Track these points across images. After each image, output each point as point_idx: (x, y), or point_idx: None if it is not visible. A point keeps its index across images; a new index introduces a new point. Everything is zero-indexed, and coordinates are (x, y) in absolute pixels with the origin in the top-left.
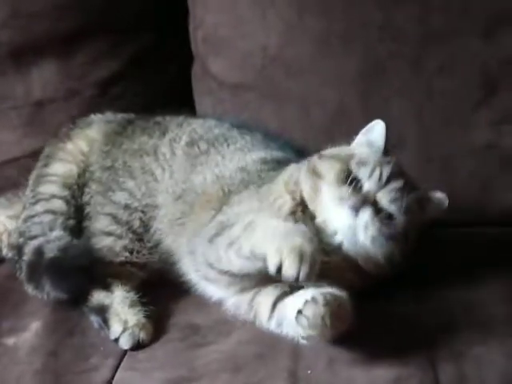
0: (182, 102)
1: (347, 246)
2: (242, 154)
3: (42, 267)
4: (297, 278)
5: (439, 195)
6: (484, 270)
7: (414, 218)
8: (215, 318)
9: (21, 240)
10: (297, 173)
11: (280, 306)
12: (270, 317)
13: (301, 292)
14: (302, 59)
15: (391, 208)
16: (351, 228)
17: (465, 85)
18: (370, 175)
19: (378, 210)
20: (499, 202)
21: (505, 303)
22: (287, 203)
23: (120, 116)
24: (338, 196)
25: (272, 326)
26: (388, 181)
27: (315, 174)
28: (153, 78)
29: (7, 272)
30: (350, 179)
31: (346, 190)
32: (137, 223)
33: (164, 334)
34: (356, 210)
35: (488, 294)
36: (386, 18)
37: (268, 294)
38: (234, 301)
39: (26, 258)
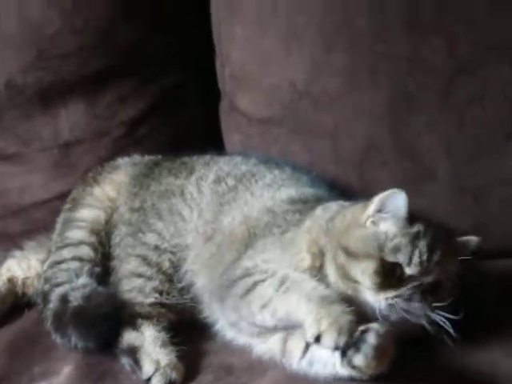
0: (209, 140)
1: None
2: (271, 191)
3: (67, 316)
4: (336, 348)
5: (470, 238)
6: None
7: (455, 269)
8: (249, 358)
9: (46, 287)
10: (321, 233)
11: (314, 346)
12: (302, 357)
13: None
14: (330, 93)
15: (437, 276)
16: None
17: (496, 114)
18: (410, 260)
19: (424, 288)
20: None
21: None
22: (306, 261)
23: (147, 158)
24: (384, 298)
25: (303, 365)
26: (428, 257)
27: (348, 278)
28: (180, 116)
29: (38, 316)
30: (392, 280)
31: (393, 292)
32: (166, 264)
33: (197, 374)
34: (405, 305)
35: None
36: (412, 51)
37: (299, 339)
38: (262, 346)
39: (51, 305)
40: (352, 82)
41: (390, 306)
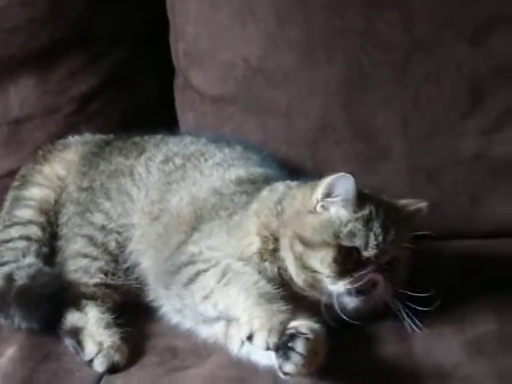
0: (164, 118)
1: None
2: (220, 170)
3: (11, 297)
4: (267, 348)
5: (419, 205)
6: (474, 284)
7: (408, 241)
8: (194, 342)
9: None
10: (271, 216)
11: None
12: (242, 346)
13: None
14: (284, 69)
15: (393, 254)
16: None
17: (452, 93)
18: (366, 244)
19: (382, 267)
20: (489, 213)
21: (496, 320)
22: (255, 244)
23: (98, 137)
24: (343, 285)
25: (242, 353)
26: (384, 238)
27: (307, 268)
28: (133, 93)
29: None
30: (350, 264)
31: (351, 279)
32: (113, 245)
33: (141, 357)
34: (365, 289)
35: (478, 310)
36: (367, 25)
37: (238, 329)
38: (207, 330)
39: None
40: (306, 58)
41: (349, 291)
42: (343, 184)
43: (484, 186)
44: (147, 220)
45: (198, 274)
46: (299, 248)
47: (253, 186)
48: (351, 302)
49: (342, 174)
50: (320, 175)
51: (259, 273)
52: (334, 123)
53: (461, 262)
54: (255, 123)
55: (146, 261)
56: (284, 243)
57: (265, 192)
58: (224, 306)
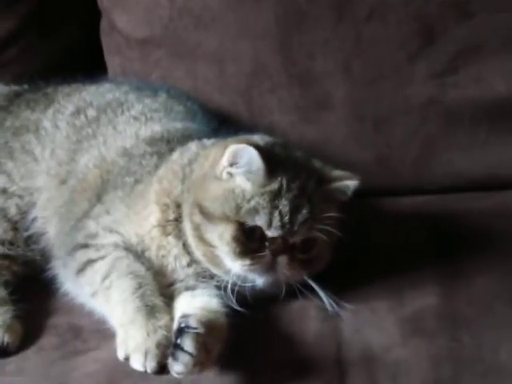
0: (91, 65)
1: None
2: (135, 126)
3: None
4: (145, 372)
5: (347, 182)
6: (419, 248)
7: (330, 221)
8: (99, 321)
9: None
10: (175, 180)
11: None
12: None
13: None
14: (212, 9)
15: (304, 235)
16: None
17: (399, 33)
18: (270, 223)
19: (290, 249)
20: (443, 165)
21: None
22: (153, 215)
23: (9, 89)
24: (242, 266)
25: None
26: (291, 218)
27: (204, 241)
28: (55, 38)
29: None
30: (253, 243)
31: (250, 260)
32: (13, 210)
33: (39, 338)
34: (267, 271)
35: (420, 280)
36: None
37: None
38: None
39: None
40: None
41: (251, 272)
42: (246, 156)
43: (437, 135)
44: (54, 183)
45: (87, 263)
46: (197, 218)
47: (167, 146)
48: (253, 282)
49: (243, 145)
50: (257, 127)
51: (159, 250)
52: (267, 68)
53: (408, 221)
54: (184, 69)
55: (52, 229)
56: (185, 210)
57: (176, 153)
58: (105, 314)
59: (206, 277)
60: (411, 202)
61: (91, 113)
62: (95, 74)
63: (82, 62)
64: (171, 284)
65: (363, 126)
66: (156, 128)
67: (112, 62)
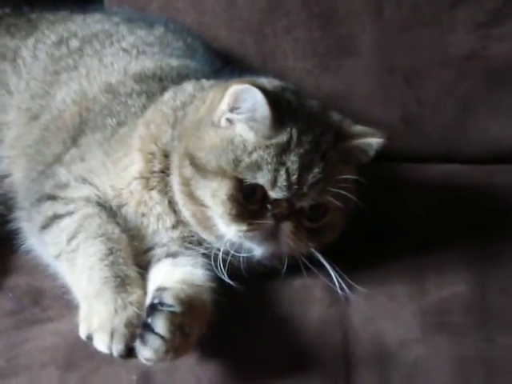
0: None
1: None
2: (124, 59)
3: None
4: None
5: (370, 139)
6: (448, 225)
7: (346, 184)
8: (64, 285)
9: None
10: (165, 125)
11: None
12: None
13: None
14: None
15: (314, 199)
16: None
17: None
18: (274, 182)
19: (297, 215)
20: (480, 130)
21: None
22: (136, 165)
23: None
24: (237, 231)
25: None
26: (300, 177)
27: (195, 199)
28: None
29: None
30: (251, 205)
31: (248, 225)
32: None
33: None
34: (267, 239)
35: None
36: None
37: None
38: None
39: None
40: None
41: (248, 239)
42: (250, 100)
43: (476, 94)
44: (25, 119)
45: (53, 219)
46: (188, 171)
47: (159, 85)
48: (250, 251)
49: (247, 86)
50: (266, 72)
51: (139, 206)
52: (285, 3)
53: (436, 193)
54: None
55: (17, 173)
56: (174, 161)
57: (168, 93)
58: (69, 281)
59: (192, 242)
60: (440, 171)
61: (74, 43)
62: (89, 5)
63: None
64: (149, 249)
65: (391, 79)
66: (148, 64)
67: None
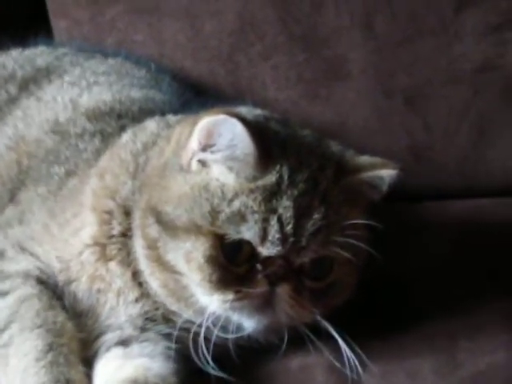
0: (36, 27)
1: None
2: (73, 92)
3: None
4: None
5: (381, 171)
6: (476, 276)
7: (354, 231)
8: None
9: None
10: (124, 174)
11: None
12: None
13: None
14: None
15: (316, 252)
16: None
17: None
18: (263, 235)
19: (296, 274)
20: (501, 157)
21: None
22: (87, 229)
23: None
24: (222, 302)
25: None
26: (296, 226)
27: (165, 266)
28: None
29: None
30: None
31: (235, 293)
32: None
33: None
34: (260, 309)
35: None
36: None
37: None
38: None
39: None
40: None
41: (235, 311)
42: (227, 133)
43: (493, 114)
44: None
45: None
46: (153, 230)
47: (116, 123)
48: (239, 325)
49: (223, 116)
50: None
51: (93, 282)
52: (257, 23)
53: (458, 236)
54: (147, 30)
55: None
56: (136, 220)
57: (127, 134)
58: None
59: (156, 319)
60: (459, 208)
61: (11, 89)
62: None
63: (24, 23)
64: (99, 335)
65: (391, 103)
66: (104, 96)
67: (58, 24)
